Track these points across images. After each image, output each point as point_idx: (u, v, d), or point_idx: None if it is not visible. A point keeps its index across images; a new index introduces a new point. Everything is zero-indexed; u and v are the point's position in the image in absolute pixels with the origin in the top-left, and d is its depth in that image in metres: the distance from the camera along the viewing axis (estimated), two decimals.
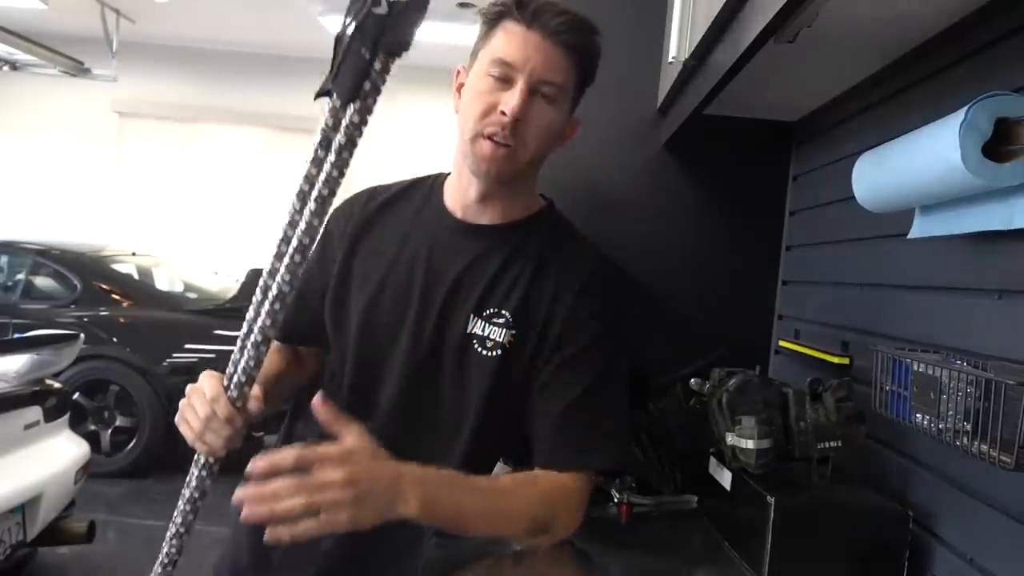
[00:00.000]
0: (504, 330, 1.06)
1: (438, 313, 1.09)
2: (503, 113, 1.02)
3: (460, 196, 1.13)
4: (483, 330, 1.07)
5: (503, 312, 1.07)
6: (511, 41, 1.03)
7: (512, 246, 1.11)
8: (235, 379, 0.93)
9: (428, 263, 1.11)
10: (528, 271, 1.09)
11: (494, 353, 1.06)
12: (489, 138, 1.04)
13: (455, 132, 1.09)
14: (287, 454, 0.84)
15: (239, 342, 0.92)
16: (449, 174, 1.17)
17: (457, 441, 1.07)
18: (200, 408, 0.93)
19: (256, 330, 0.90)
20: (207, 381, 0.95)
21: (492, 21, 1.06)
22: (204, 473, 0.96)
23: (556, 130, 1.08)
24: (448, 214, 1.14)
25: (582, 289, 1.08)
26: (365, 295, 1.13)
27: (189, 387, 0.96)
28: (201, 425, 0.93)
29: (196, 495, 0.96)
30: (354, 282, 1.15)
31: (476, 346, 1.07)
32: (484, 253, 1.10)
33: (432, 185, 1.18)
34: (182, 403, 0.96)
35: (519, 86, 1.02)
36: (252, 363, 0.92)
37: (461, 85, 1.09)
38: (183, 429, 0.96)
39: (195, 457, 0.97)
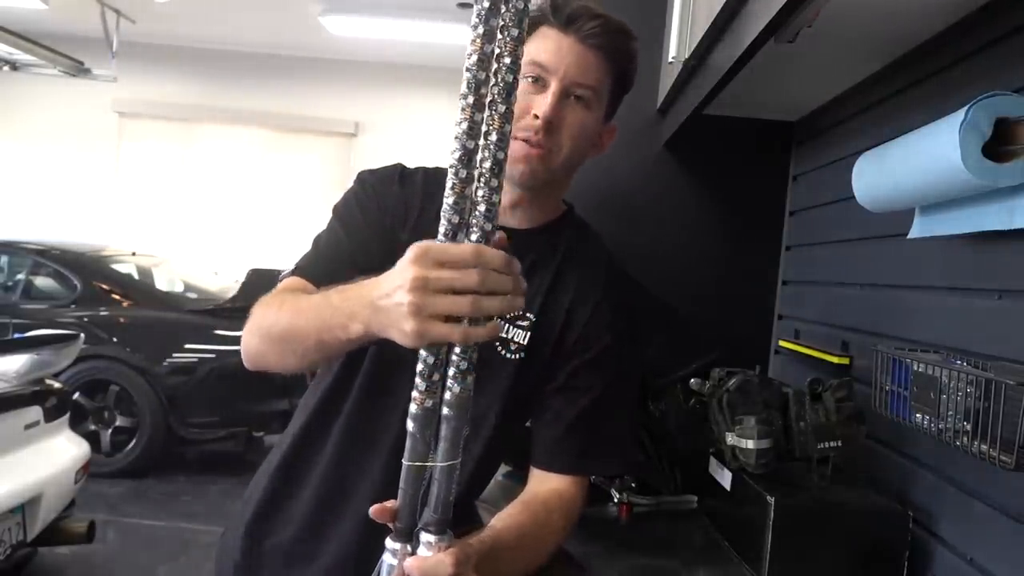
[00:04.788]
0: (527, 333, 1.07)
1: None
2: (536, 117, 1.02)
3: None
4: (507, 332, 1.06)
5: (527, 315, 1.07)
6: (546, 45, 1.04)
7: (538, 251, 1.11)
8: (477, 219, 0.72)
9: None
10: (550, 275, 1.10)
11: (517, 356, 1.06)
12: (523, 141, 1.04)
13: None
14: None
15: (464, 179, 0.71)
16: None
17: (475, 443, 1.05)
18: (462, 275, 0.72)
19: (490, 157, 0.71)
20: (433, 247, 0.73)
21: (529, 28, 1.05)
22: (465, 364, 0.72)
23: (590, 134, 1.08)
24: None
25: (602, 297, 1.09)
26: None
27: (414, 271, 0.72)
28: (470, 298, 0.71)
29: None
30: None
31: (499, 347, 1.06)
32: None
33: None
34: (415, 297, 0.71)
35: (552, 88, 1.03)
36: (492, 193, 0.71)
37: None
38: (438, 331, 0.72)
39: (452, 358, 0.73)
